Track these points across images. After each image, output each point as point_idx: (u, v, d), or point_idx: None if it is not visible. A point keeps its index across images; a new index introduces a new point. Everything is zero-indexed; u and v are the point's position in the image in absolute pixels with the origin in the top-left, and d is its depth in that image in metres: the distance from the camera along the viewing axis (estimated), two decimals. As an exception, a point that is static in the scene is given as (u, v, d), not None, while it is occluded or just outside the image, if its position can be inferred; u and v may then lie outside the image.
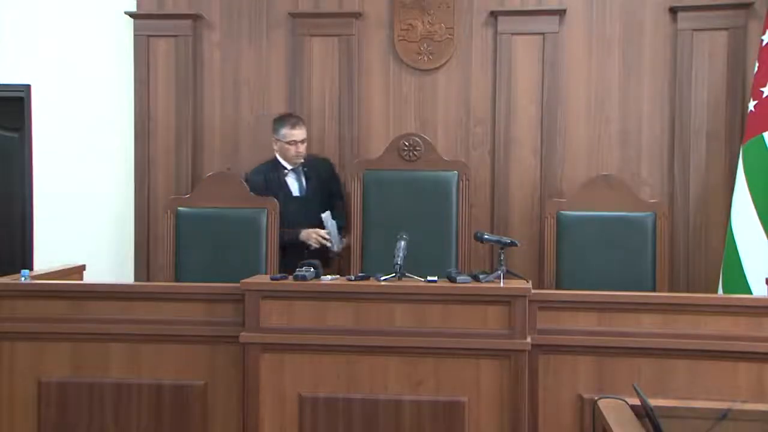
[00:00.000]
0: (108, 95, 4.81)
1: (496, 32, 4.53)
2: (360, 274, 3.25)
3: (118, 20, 4.72)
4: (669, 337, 3.04)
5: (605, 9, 4.50)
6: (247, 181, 4.23)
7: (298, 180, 4.28)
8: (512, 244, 3.28)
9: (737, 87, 4.36)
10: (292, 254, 4.03)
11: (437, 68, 4.59)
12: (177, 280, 4.12)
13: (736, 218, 4.06)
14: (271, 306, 3.12)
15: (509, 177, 4.51)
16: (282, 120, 4.25)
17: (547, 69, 4.49)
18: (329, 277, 3.22)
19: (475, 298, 3.05)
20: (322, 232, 4.16)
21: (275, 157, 4.29)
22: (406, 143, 4.35)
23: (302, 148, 4.21)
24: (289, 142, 4.18)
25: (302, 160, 4.24)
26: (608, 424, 2.10)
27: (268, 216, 4.24)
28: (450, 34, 4.58)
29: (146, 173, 4.67)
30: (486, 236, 3.40)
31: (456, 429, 3.03)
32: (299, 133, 4.19)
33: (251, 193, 4.16)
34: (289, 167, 4.25)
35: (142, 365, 3.25)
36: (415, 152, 4.34)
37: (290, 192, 4.26)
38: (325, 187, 4.37)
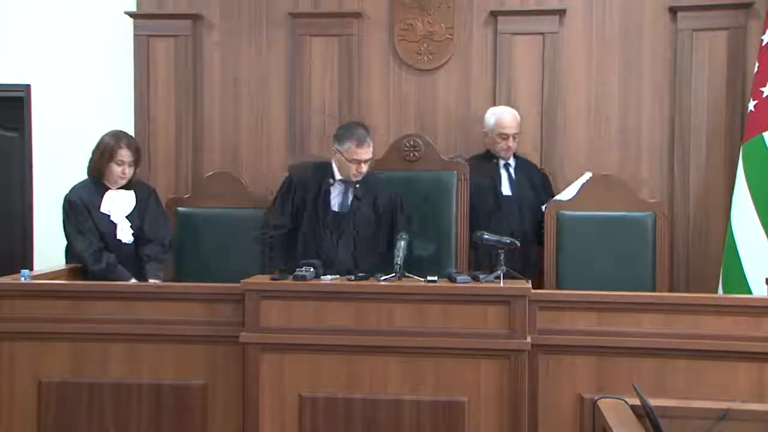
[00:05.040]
0: (108, 95, 4.81)
1: (496, 32, 4.54)
2: (360, 274, 3.24)
3: (118, 20, 4.72)
4: (669, 337, 3.04)
5: (605, 9, 4.50)
6: (291, 172, 3.88)
7: (344, 194, 3.72)
8: (512, 244, 3.28)
9: (737, 87, 4.36)
10: None
11: (437, 68, 4.59)
12: (177, 280, 4.12)
13: (736, 218, 4.06)
14: (271, 306, 3.12)
15: (509, 177, 4.51)
16: (349, 131, 3.67)
17: (547, 69, 4.49)
18: (329, 277, 3.22)
19: (475, 298, 3.05)
20: None
21: (330, 162, 3.76)
22: (407, 144, 4.37)
23: (364, 168, 3.67)
24: (351, 160, 3.63)
25: (359, 178, 3.71)
26: (608, 424, 2.11)
27: (267, 216, 4.25)
28: (450, 34, 4.58)
29: (146, 173, 4.66)
30: (486, 236, 3.39)
31: (456, 429, 3.03)
32: (365, 153, 3.63)
33: (290, 187, 3.77)
34: (338, 177, 3.72)
35: (142, 365, 3.25)
36: (416, 152, 4.36)
37: (329, 204, 3.71)
38: (378, 217, 3.74)
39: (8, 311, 3.29)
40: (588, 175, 4.21)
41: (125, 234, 3.83)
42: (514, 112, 4.28)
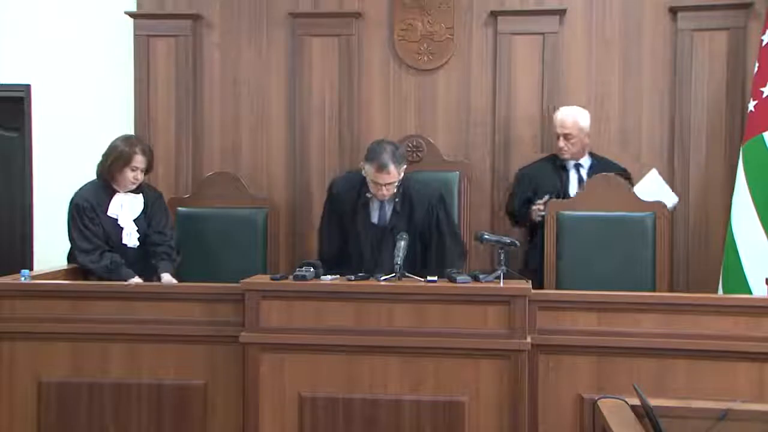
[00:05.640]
0: (108, 95, 4.81)
1: (496, 32, 4.54)
2: (360, 274, 3.24)
3: (118, 20, 4.72)
4: (669, 337, 3.04)
5: (605, 9, 4.50)
6: (332, 185, 3.86)
7: (382, 207, 3.70)
8: (512, 244, 3.28)
9: (737, 87, 4.36)
10: None
11: (437, 68, 4.59)
12: (177, 280, 4.12)
13: (736, 218, 4.06)
14: (271, 306, 3.11)
15: (509, 177, 4.50)
16: (374, 153, 3.56)
17: (547, 69, 4.49)
18: (329, 277, 3.22)
19: (475, 298, 3.05)
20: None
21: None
22: (410, 144, 4.39)
23: (386, 190, 3.59)
24: (372, 182, 3.59)
25: (387, 198, 3.65)
26: (608, 424, 2.11)
27: (267, 216, 4.26)
28: (450, 34, 4.58)
29: (146, 173, 4.67)
30: (486, 236, 3.39)
31: (456, 429, 3.03)
32: (384, 178, 3.53)
33: (330, 202, 3.77)
34: None
35: (142, 365, 3.25)
36: (418, 153, 4.38)
37: (369, 216, 3.70)
38: (417, 227, 3.67)
39: (8, 311, 3.29)
40: (654, 171, 4.14)
41: (131, 238, 3.80)
42: (573, 112, 4.16)
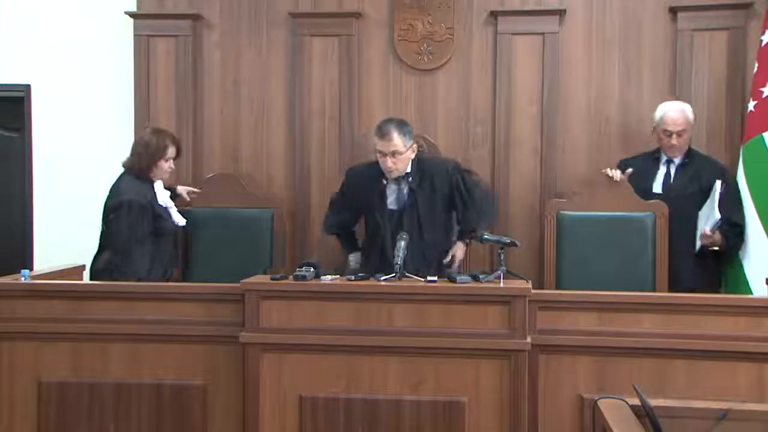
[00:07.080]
0: (108, 95, 4.81)
1: (496, 32, 4.54)
2: (360, 274, 3.24)
3: (118, 20, 4.72)
4: (669, 337, 3.04)
5: (605, 9, 4.50)
6: (348, 173, 3.94)
7: (399, 191, 3.75)
8: (512, 244, 3.28)
9: (737, 87, 4.36)
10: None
11: (437, 68, 4.59)
12: (178, 280, 4.12)
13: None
14: (271, 306, 3.12)
15: (509, 177, 4.51)
16: (378, 126, 3.72)
17: (547, 69, 4.49)
18: (329, 277, 3.22)
19: (475, 298, 3.05)
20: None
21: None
22: (410, 144, 4.39)
23: (394, 161, 3.64)
24: (377, 153, 3.67)
25: (398, 174, 3.70)
26: (608, 424, 2.10)
27: (269, 216, 4.26)
28: (450, 34, 4.58)
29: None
30: (486, 236, 3.40)
31: (456, 429, 3.03)
32: (385, 146, 3.61)
33: (343, 192, 3.90)
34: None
35: (142, 365, 3.25)
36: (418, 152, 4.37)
37: (386, 203, 3.76)
38: (440, 201, 3.77)
39: (8, 311, 3.29)
40: (718, 182, 3.93)
41: (180, 218, 3.95)
42: (684, 108, 4.09)
